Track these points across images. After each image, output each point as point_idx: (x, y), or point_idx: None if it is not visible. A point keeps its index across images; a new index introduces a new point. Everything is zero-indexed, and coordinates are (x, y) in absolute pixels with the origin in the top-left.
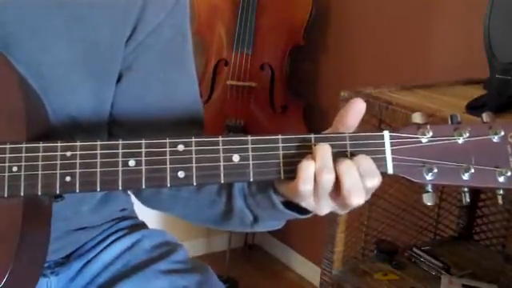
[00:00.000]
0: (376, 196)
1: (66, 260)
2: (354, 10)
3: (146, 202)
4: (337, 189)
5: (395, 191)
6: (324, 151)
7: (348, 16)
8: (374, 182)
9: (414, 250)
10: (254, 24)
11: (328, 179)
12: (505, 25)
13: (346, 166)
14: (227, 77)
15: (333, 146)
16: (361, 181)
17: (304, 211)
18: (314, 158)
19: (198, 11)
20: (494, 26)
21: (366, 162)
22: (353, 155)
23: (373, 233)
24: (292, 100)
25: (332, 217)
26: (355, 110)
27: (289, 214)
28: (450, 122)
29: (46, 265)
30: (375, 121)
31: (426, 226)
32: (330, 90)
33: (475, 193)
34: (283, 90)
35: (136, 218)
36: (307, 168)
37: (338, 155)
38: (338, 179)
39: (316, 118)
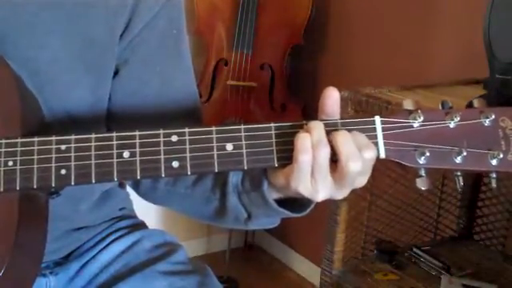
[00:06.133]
0: (376, 196)
1: (65, 260)
2: (354, 10)
3: (143, 196)
4: (334, 162)
5: (395, 191)
6: (317, 126)
7: (348, 16)
8: (371, 153)
9: (414, 250)
10: (254, 24)
11: (324, 153)
12: (505, 25)
13: (340, 135)
14: (227, 77)
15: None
16: (356, 148)
17: (297, 209)
18: (308, 132)
19: (197, 11)
20: (494, 26)
21: (358, 135)
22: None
23: (373, 233)
24: (292, 100)
25: (332, 217)
26: (330, 98)
27: (281, 212)
28: (441, 107)
29: (44, 265)
30: None
31: (426, 226)
32: None
33: (475, 193)
34: (283, 89)
35: (135, 217)
36: (303, 137)
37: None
38: (334, 150)
39: (315, 118)
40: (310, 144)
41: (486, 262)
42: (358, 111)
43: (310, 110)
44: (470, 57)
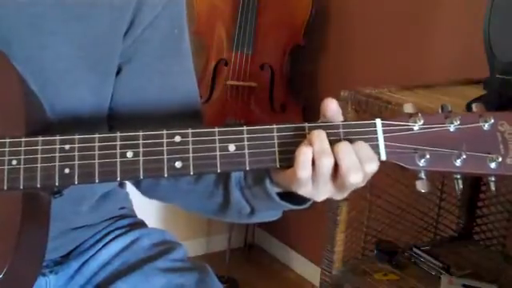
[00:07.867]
0: (376, 196)
1: (65, 259)
2: (354, 10)
3: (145, 192)
4: (334, 171)
5: (395, 191)
6: (320, 136)
7: (348, 16)
8: (373, 166)
9: (414, 250)
10: (254, 24)
11: (327, 163)
12: (505, 25)
13: (344, 147)
14: (227, 77)
15: (327, 134)
16: (358, 161)
17: (300, 202)
18: (310, 143)
19: (197, 11)
20: (494, 26)
21: (363, 146)
22: (349, 141)
23: (373, 233)
24: (292, 100)
25: (332, 217)
26: (330, 110)
27: (284, 206)
28: (440, 110)
29: (44, 264)
30: None
31: (426, 226)
32: (330, 90)
33: (475, 193)
34: (283, 89)
35: (135, 216)
36: (305, 153)
37: (333, 142)
38: (336, 161)
39: (316, 118)
40: (311, 158)
41: (485, 262)
42: (358, 111)
43: (310, 110)
44: (469, 57)
